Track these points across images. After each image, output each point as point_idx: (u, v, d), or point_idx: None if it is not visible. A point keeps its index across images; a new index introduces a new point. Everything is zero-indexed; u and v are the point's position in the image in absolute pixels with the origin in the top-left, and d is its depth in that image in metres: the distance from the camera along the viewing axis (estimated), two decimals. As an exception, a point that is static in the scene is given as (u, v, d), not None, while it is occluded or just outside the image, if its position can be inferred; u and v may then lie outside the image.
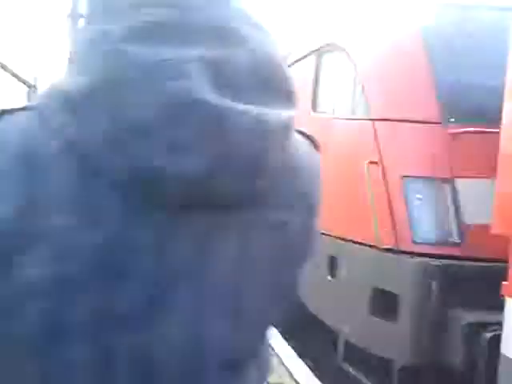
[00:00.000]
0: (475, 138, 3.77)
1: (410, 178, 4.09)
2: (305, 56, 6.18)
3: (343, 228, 4.65)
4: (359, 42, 4.85)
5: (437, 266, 3.52)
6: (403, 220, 3.98)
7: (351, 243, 4.47)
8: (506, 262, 2.80)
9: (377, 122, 4.36)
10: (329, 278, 4.82)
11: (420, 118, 4.20)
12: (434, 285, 3.43)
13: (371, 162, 4.25)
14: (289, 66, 0.67)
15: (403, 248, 3.91)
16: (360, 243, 4.32)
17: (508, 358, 2.47)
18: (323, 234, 4.93)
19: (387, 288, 3.88)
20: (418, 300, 3.57)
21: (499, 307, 2.74)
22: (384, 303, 3.92)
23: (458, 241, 3.66)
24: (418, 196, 4.07)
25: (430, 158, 4.11)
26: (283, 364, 3.93)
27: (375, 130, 4.34)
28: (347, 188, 4.65)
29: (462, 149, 3.81)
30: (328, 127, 5.20)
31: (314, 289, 5.20)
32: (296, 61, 6.46)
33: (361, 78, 4.65)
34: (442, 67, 4.18)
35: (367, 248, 4.19)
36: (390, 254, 3.93)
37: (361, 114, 4.62)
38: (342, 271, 4.57)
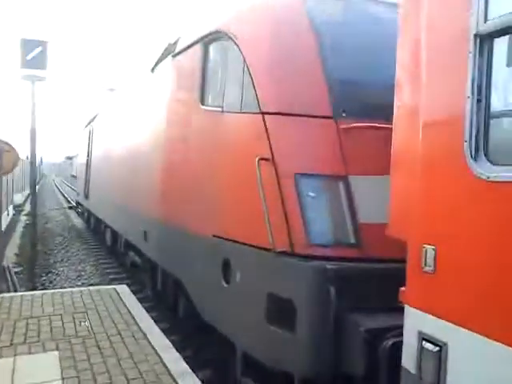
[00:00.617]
0: (370, 133, 3.64)
1: (303, 176, 3.88)
2: (191, 45, 5.72)
3: (236, 230, 4.30)
4: (247, 29, 4.51)
5: (333, 269, 3.31)
6: (297, 220, 3.74)
7: (244, 246, 4.13)
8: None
9: (267, 116, 4.07)
10: (223, 283, 4.43)
11: (311, 112, 4.00)
12: (332, 289, 3.21)
13: (262, 159, 3.94)
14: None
15: (298, 251, 3.66)
16: (254, 246, 4.00)
17: (408, 371, 2.28)
18: (216, 236, 4.60)
19: (283, 294, 3.60)
20: (315, 306, 3.34)
21: (401, 309, 2.58)
22: (280, 311, 3.65)
23: (355, 241, 3.49)
24: (311, 194, 3.87)
25: (322, 154, 3.91)
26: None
27: (266, 125, 4.05)
28: (239, 187, 4.30)
29: (356, 145, 3.66)
30: (218, 122, 4.81)
31: (209, 295, 4.89)
32: (182, 50, 6.00)
33: (249, 69, 4.34)
34: (333, 61, 4.03)
35: (261, 251, 3.88)
36: (284, 258, 3.66)
37: (251, 107, 4.29)
38: (237, 276, 4.21)
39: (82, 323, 4.65)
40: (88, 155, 15.80)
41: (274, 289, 3.69)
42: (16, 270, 11.22)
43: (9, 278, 10.49)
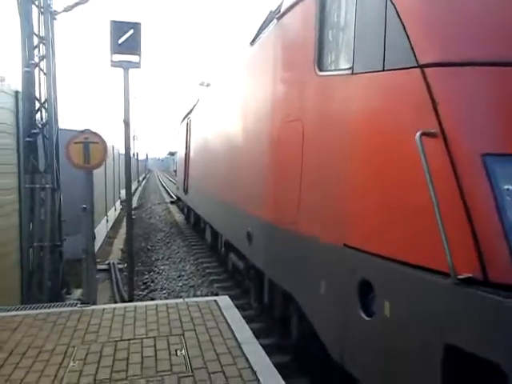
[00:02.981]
0: None
1: (498, 159, 2.46)
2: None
3: (383, 240, 3.00)
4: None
5: None
6: (492, 230, 2.35)
7: (397, 265, 2.82)
8: None
9: (430, 70, 2.71)
10: (362, 314, 3.18)
11: (506, 58, 2.57)
12: None
13: (426, 135, 2.60)
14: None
15: (496, 278, 2.28)
16: (413, 266, 2.68)
17: None
18: (350, 246, 3.34)
19: (479, 351, 2.23)
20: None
21: None
22: (471, 377, 2.31)
23: None
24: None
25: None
26: None
27: (427, 82, 2.70)
28: (387, 178, 2.99)
29: None
30: (345, 89, 3.54)
31: (340, 329, 3.56)
32: (290, 8, 4.79)
33: (396, 8, 3.00)
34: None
35: (428, 276, 2.55)
36: (475, 290, 2.29)
37: (400, 61, 2.94)
38: (385, 309, 2.92)
39: (179, 352, 3.71)
40: (186, 149, 15.43)
41: (458, 339, 2.34)
42: (120, 266, 11.09)
43: (113, 275, 10.35)
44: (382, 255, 2.99)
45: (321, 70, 4.04)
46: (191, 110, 14.83)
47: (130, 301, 6.50)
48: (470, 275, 2.33)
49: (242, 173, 6.59)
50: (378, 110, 3.12)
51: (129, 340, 3.97)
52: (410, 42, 2.86)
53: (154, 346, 3.84)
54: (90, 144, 5.21)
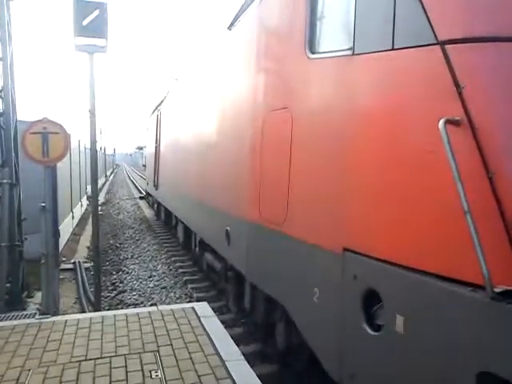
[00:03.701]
0: None
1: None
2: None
3: (393, 243, 2.61)
4: None
5: None
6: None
7: (410, 273, 2.43)
8: None
9: (452, 48, 2.32)
10: (366, 329, 2.78)
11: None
12: None
13: (451, 122, 2.21)
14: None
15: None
16: (431, 275, 2.29)
17: None
18: (350, 250, 2.94)
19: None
20: None
21: None
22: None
23: None
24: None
25: None
26: None
27: (449, 61, 2.30)
28: (398, 171, 2.58)
29: None
30: (345, 73, 3.11)
31: (338, 343, 3.15)
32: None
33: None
34: None
35: (455, 288, 2.16)
36: (509, 306, 1.92)
37: (414, 38, 2.54)
38: (397, 323, 2.52)
39: (154, 373, 3.22)
40: (156, 142, 14.75)
41: (495, 365, 1.96)
42: (87, 265, 10.40)
43: (79, 275, 9.65)
44: (393, 262, 2.59)
45: (313, 53, 3.61)
46: (161, 102, 14.15)
47: (96, 310, 5.89)
48: (510, 288, 1.96)
49: (219, 168, 6.09)
50: (387, 95, 2.71)
51: (95, 359, 3.44)
52: (426, 13, 2.46)
53: (125, 366, 3.33)
54: (49, 135, 4.57)
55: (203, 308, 4.57)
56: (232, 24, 5.80)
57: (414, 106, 2.52)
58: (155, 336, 3.85)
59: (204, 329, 4.00)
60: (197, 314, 4.40)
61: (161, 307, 4.57)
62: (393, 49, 2.67)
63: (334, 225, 3.13)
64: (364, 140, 2.84)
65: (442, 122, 2.21)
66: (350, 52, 3.06)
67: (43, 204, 4.69)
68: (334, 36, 3.43)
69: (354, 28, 3.03)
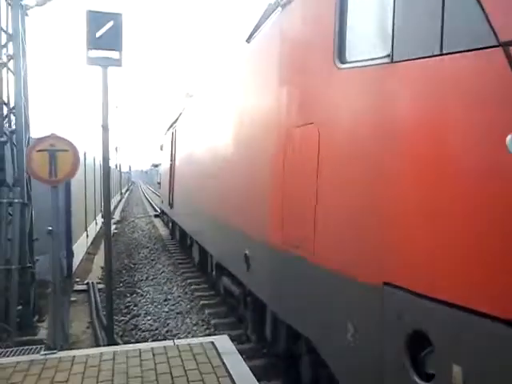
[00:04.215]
0: None
1: None
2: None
3: (448, 285, 2.22)
4: None
5: None
6: None
7: (474, 316, 2.04)
8: None
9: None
10: (415, 379, 2.38)
11: None
12: None
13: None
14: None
15: None
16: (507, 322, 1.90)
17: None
18: (392, 285, 2.54)
19: None
20: None
21: None
22: None
23: None
24: None
25: None
26: None
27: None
28: (457, 196, 2.21)
29: None
30: (383, 83, 2.77)
31: None
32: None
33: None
34: None
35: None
36: None
37: (469, 41, 2.19)
38: (453, 375, 2.12)
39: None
40: (171, 160, 14.54)
41: None
42: (100, 286, 10.10)
43: (92, 297, 9.36)
44: (448, 301, 2.20)
45: (342, 63, 3.28)
46: (177, 120, 13.98)
47: (110, 343, 5.51)
48: None
49: (238, 188, 5.75)
50: (435, 106, 2.36)
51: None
52: (484, 12, 2.11)
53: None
54: (56, 152, 4.25)
55: (224, 342, 4.18)
56: (251, 36, 5.53)
57: (469, 119, 2.15)
58: (171, 377, 3.47)
59: (225, 368, 3.60)
60: (217, 349, 4.00)
61: (177, 341, 4.19)
62: (441, 54, 2.33)
63: (372, 253, 2.75)
64: (410, 158, 2.47)
65: (510, 137, 1.85)
66: (387, 60, 2.72)
67: (50, 228, 4.36)
68: (367, 42, 3.09)
69: (393, 32, 2.69)
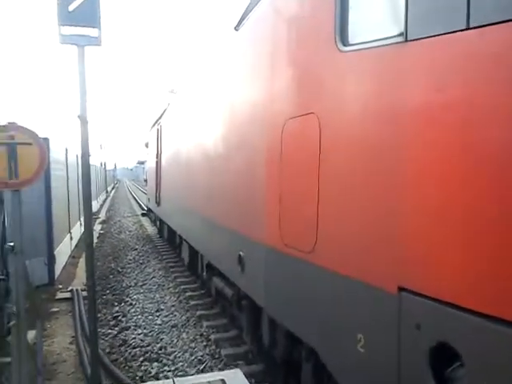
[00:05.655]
0: None
1: None
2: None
3: (479, 294, 1.94)
4: None
5: None
6: None
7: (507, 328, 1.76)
8: None
9: None
10: None
11: None
12: None
13: None
14: None
15: None
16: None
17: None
18: (409, 290, 2.26)
19: None
20: None
21: None
22: None
23: None
24: None
25: None
26: None
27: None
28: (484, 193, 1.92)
29: None
30: (394, 64, 2.47)
31: None
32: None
33: None
34: None
35: None
36: None
37: (499, 10, 1.90)
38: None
39: None
40: (157, 157, 14.12)
41: None
42: (85, 293, 9.53)
43: (76, 306, 8.78)
44: (478, 311, 1.92)
45: (345, 45, 2.97)
46: (161, 116, 13.55)
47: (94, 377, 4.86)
48: None
49: (230, 185, 5.42)
50: (460, 88, 2.06)
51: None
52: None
53: None
54: (17, 145, 3.45)
55: (236, 378, 3.71)
56: (240, 23, 5.19)
57: (503, 103, 1.86)
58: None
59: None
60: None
61: (177, 380, 3.72)
62: (468, 28, 2.03)
63: (385, 254, 2.46)
64: (429, 148, 2.17)
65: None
66: (400, 38, 2.42)
67: (11, 244, 3.64)
68: (374, 21, 2.79)
69: (406, 7, 2.39)
